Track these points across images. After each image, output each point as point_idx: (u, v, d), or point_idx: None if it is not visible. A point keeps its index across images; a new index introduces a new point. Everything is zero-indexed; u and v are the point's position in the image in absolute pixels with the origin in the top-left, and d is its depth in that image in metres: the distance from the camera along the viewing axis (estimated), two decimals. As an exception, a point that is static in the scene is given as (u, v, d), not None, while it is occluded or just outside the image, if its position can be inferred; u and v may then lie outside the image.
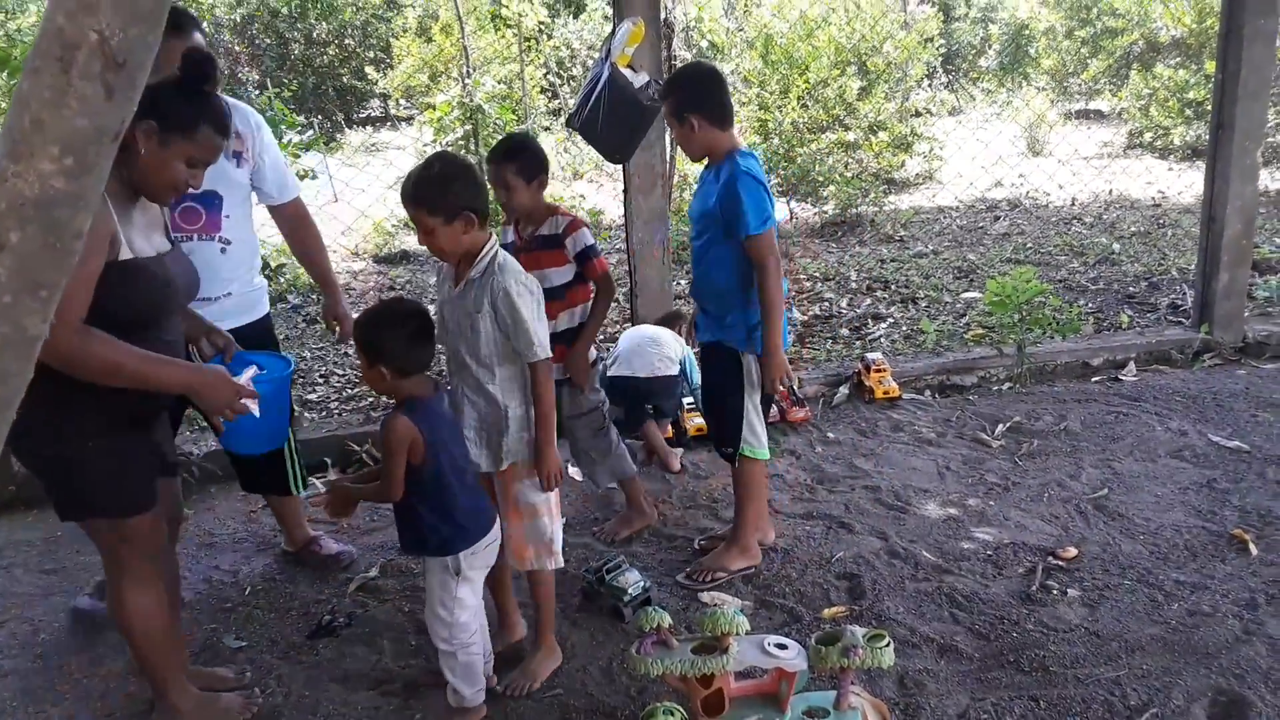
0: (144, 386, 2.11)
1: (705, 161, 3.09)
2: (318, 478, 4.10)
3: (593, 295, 3.30)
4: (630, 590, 2.97)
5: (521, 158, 3.13)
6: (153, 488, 2.27)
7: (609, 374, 3.90)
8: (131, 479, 2.22)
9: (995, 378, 4.91)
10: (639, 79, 3.83)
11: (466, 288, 2.50)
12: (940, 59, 14.06)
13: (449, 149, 8.56)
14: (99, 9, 0.95)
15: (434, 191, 2.41)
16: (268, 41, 15.46)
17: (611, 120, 3.79)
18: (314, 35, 15.75)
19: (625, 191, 4.42)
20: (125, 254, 2.09)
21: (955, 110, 14.99)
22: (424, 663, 2.80)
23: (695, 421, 4.34)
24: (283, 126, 8.22)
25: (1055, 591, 3.00)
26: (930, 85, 13.60)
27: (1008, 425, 4.34)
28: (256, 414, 2.24)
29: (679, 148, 3.00)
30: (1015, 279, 4.99)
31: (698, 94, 2.97)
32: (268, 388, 2.33)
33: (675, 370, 4.02)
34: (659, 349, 4.00)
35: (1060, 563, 3.17)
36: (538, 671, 2.70)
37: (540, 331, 2.51)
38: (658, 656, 2.27)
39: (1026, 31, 16.68)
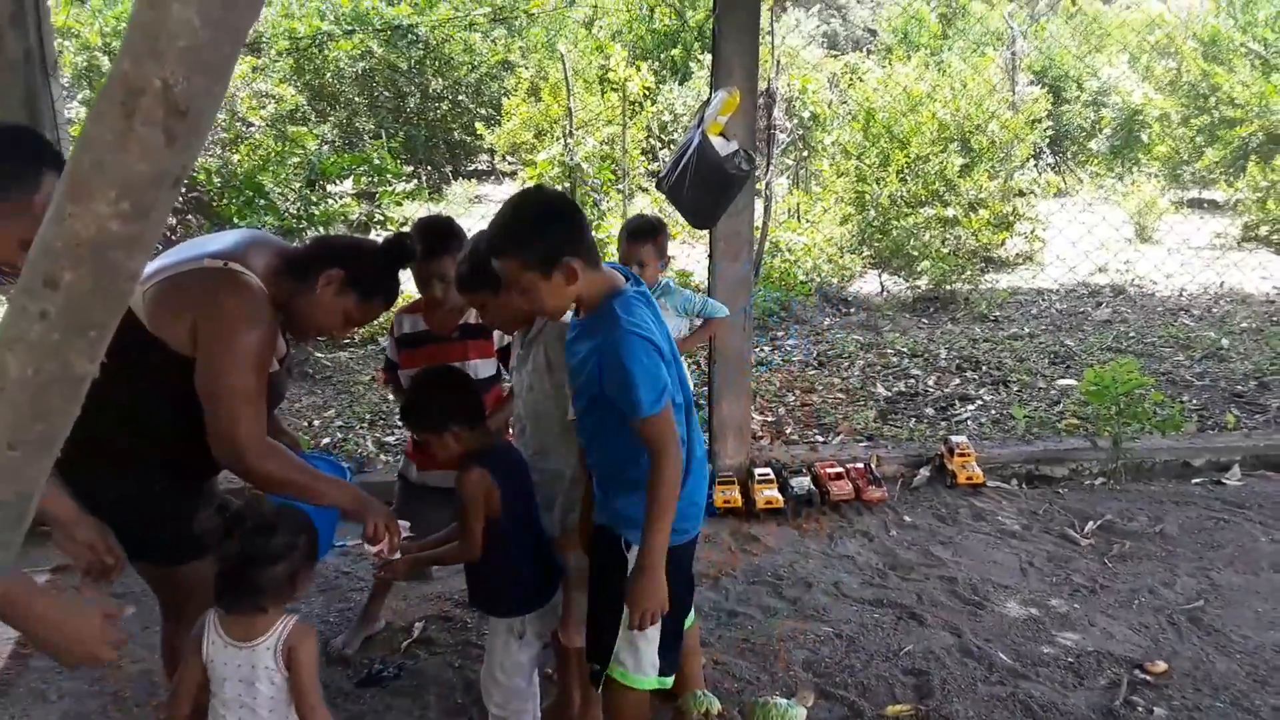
0: (311, 502, 2.21)
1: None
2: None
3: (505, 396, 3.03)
4: (684, 666, 2.87)
5: (454, 243, 2.87)
6: (208, 539, 2.29)
7: None
8: (190, 526, 2.24)
9: (1088, 471, 4.68)
10: (728, 147, 3.83)
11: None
12: (1047, 140, 13.80)
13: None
14: (165, 58, 0.96)
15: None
16: (386, 94, 16.10)
17: (698, 186, 3.80)
18: (429, 90, 16.33)
19: (710, 257, 4.40)
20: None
21: (1061, 192, 14.62)
22: (468, 723, 2.75)
23: (766, 494, 4.23)
24: (388, 175, 8.53)
25: (1140, 709, 2.79)
26: (1036, 166, 13.35)
27: (1098, 523, 4.11)
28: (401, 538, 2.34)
29: (544, 300, 2.15)
30: (1115, 369, 4.78)
31: (571, 230, 2.14)
32: None
33: None
34: None
35: (1148, 677, 2.96)
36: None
37: None
38: (704, 743, 2.18)
39: (1139, 117, 16.27)
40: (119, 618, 1.69)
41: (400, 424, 3.21)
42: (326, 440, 5.41)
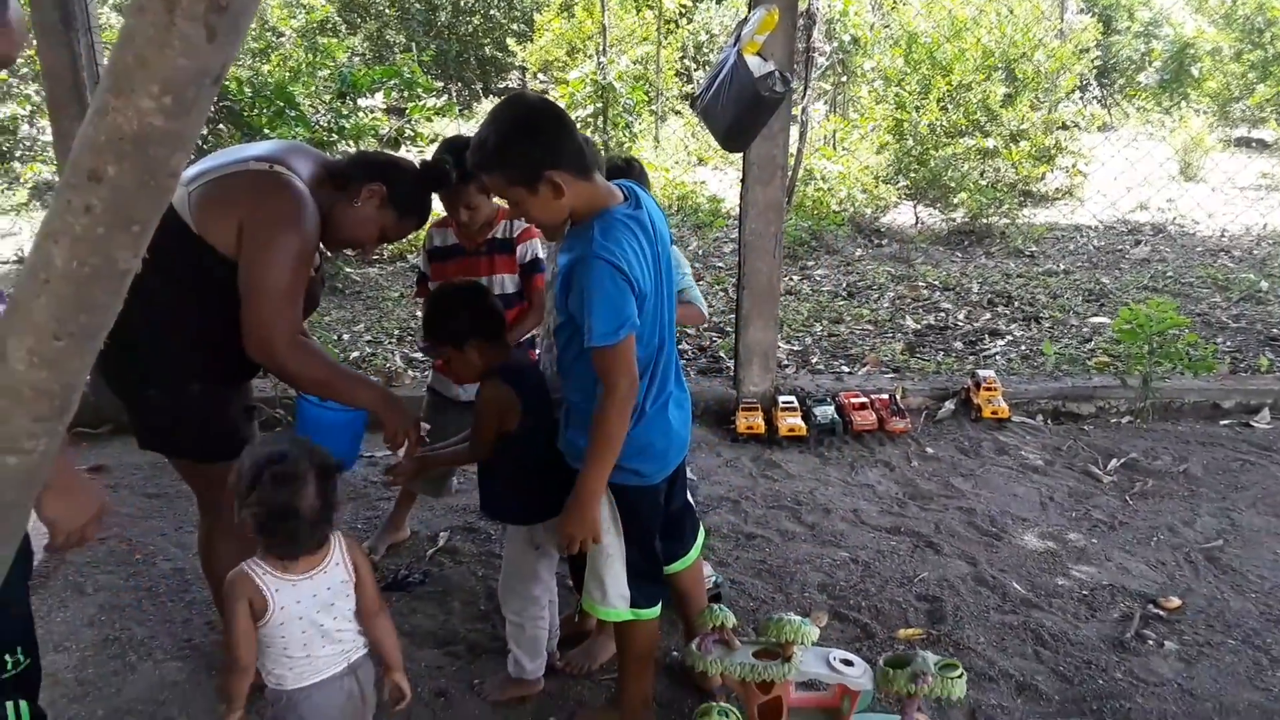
0: (338, 399, 2.27)
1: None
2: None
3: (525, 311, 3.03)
4: (702, 584, 2.93)
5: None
6: (240, 438, 2.32)
7: None
8: (221, 427, 2.29)
9: (1115, 410, 4.65)
10: (764, 68, 3.74)
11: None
12: (1095, 71, 13.40)
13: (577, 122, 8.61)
14: (206, -48, 0.95)
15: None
16: (417, 6, 15.85)
17: (730, 109, 3.72)
18: (461, 3, 16.07)
19: (743, 181, 4.35)
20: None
21: (1105, 126, 14.25)
22: (490, 629, 2.83)
23: (789, 421, 4.25)
24: (418, 89, 8.43)
25: (1151, 642, 2.83)
26: (1082, 98, 12.99)
27: (1122, 461, 4.11)
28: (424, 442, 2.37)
29: (534, 214, 2.10)
30: (1150, 308, 4.71)
31: (553, 142, 2.04)
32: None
33: None
34: None
35: (1160, 612, 2.99)
36: (599, 654, 2.70)
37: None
38: (718, 656, 2.24)
39: (1191, 50, 15.73)
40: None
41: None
42: (355, 354, 5.48)
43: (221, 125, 7.24)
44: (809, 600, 3.05)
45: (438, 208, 3.05)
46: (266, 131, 6.77)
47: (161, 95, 1.00)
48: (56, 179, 6.02)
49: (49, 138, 7.65)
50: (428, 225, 2.91)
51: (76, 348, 1.09)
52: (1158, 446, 4.27)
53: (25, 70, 7.20)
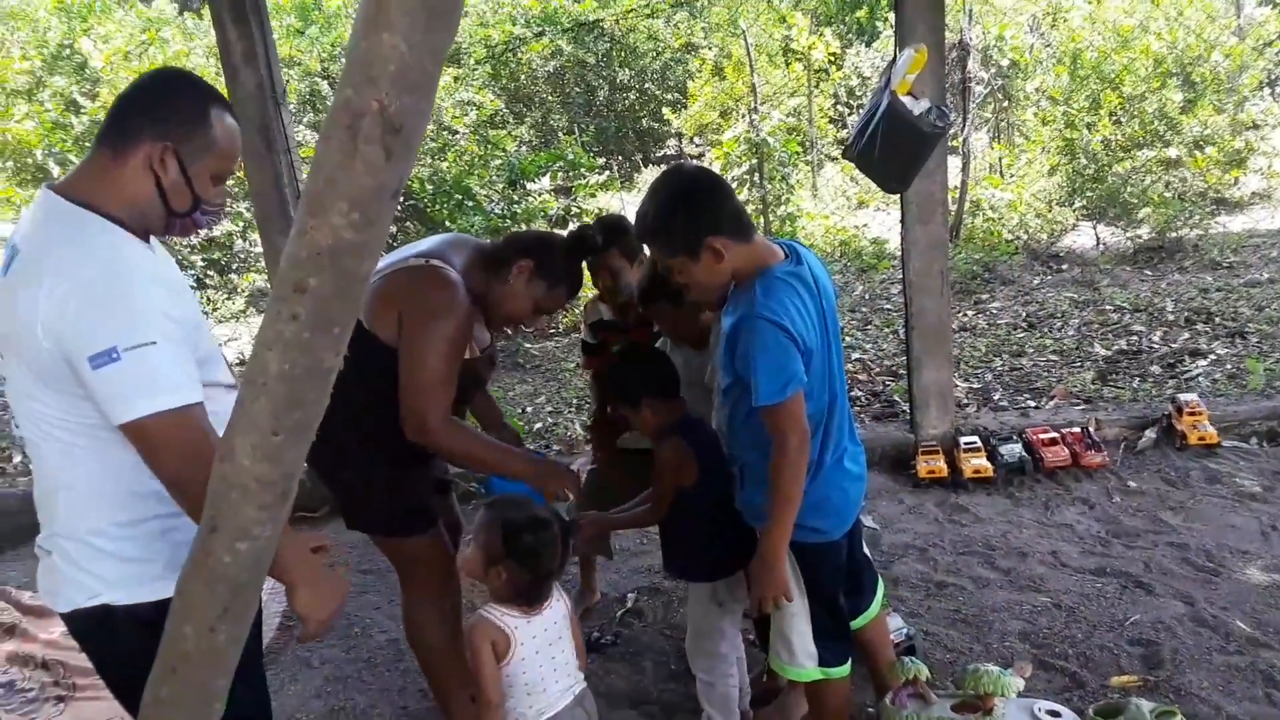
0: (494, 472, 2.45)
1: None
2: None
3: None
4: (892, 638, 2.87)
5: (623, 240, 2.94)
6: (428, 514, 2.49)
7: None
8: (409, 504, 2.46)
9: (1343, 427, 4.24)
10: (920, 105, 3.73)
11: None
12: (1283, 64, 12.43)
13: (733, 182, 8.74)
14: (379, 82, 1.08)
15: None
16: (577, 90, 16.58)
17: (888, 150, 3.71)
18: (617, 81, 16.68)
19: (902, 221, 4.31)
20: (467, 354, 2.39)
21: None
22: (682, 688, 2.86)
23: (973, 463, 4.11)
24: (581, 168, 8.83)
25: None
26: (1272, 94, 12.05)
27: (1356, 482, 3.73)
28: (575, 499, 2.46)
29: (699, 281, 2.16)
30: (1372, 312, 4.30)
31: (710, 209, 2.11)
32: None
33: None
34: None
35: None
36: (792, 711, 2.67)
37: None
38: (914, 710, 2.19)
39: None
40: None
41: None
42: (539, 425, 5.70)
43: (408, 223, 7.82)
44: (1009, 649, 2.92)
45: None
46: (448, 224, 7.25)
47: (350, 211, 1.14)
48: (268, 287, 6.64)
49: (259, 249, 8.49)
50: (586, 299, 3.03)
51: (293, 441, 1.24)
52: (1399, 464, 3.86)
53: (236, 190, 8.02)
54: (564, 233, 2.65)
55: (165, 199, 1.64)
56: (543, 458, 2.57)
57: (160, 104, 1.63)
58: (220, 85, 4.12)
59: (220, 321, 8.85)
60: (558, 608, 2.11)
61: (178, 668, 1.38)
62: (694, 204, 2.11)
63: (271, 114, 4.32)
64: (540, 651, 2.04)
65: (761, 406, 2.04)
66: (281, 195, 4.43)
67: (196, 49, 10.62)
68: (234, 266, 9.71)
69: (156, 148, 1.60)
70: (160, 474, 1.54)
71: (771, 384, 2.02)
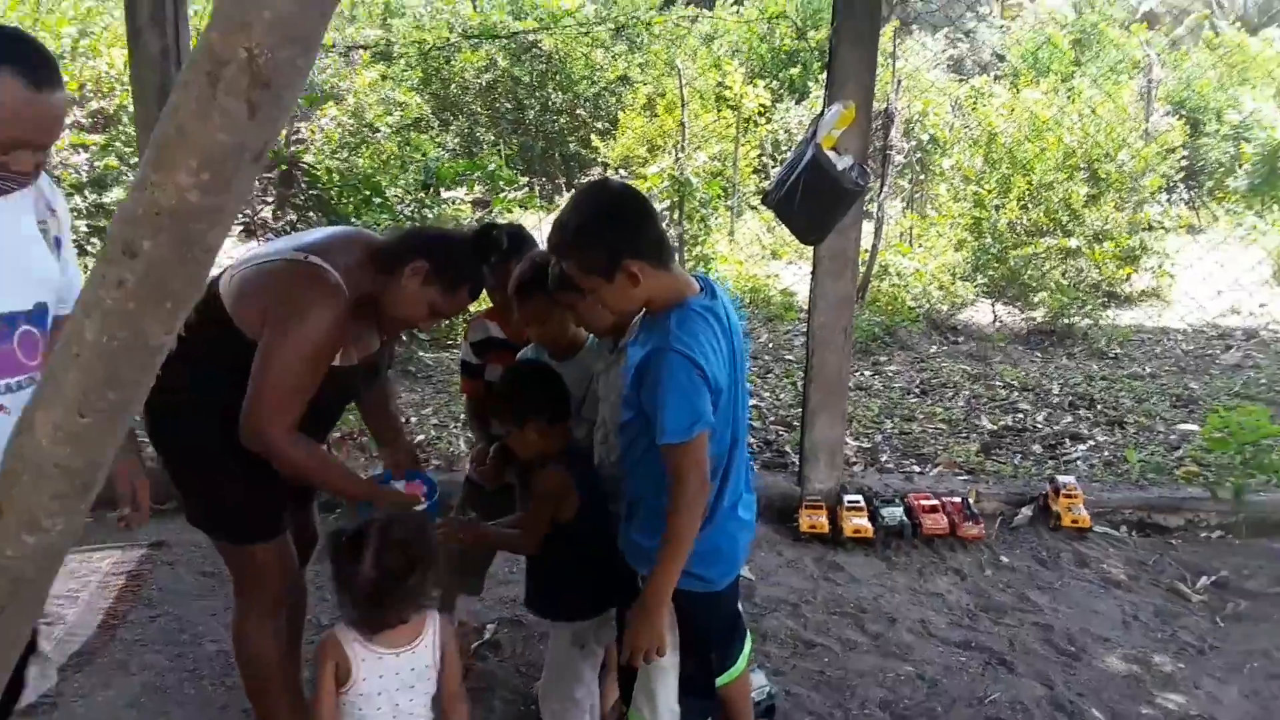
0: (329, 491, 2.39)
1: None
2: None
3: None
4: (753, 696, 2.79)
5: (528, 249, 2.74)
6: (277, 522, 2.31)
7: None
8: (257, 510, 2.28)
9: (1205, 523, 4.38)
10: (843, 161, 3.75)
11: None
12: (1181, 173, 13.14)
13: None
14: (252, 29, 0.95)
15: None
16: (508, 105, 16.44)
17: (808, 201, 3.72)
18: (549, 103, 16.60)
19: (813, 274, 4.31)
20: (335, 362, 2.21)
21: (1193, 229, 13.89)
22: (533, 729, 2.72)
23: (855, 522, 4.10)
24: (502, 182, 8.68)
25: (1250, 784, 2.58)
26: (1168, 199, 12.74)
27: (1213, 579, 3.84)
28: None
29: (611, 303, 2.07)
30: (1243, 415, 4.48)
31: (633, 230, 2.01)
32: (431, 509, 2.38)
33: None
34: None
35: (1260, 750, 2.74)
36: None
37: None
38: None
39: (1286, 153, 15.33)
40: None
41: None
42: (421, 437, 5.50)
43: (311, 213, 7.52)
44: (869, 718, 2.87)
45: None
46: (353, 219, 6.99)
47: (200, 170, 1.00)
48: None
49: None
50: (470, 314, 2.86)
51: (103, 425, 1.08)
52: (1251, 564, 3.99)
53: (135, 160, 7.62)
54: (465, 231, 2.49)
55: None
56: (387, 485, 2.40)
57: None
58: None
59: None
60: (422, 654, 1.90)
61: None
62: (617, 223, 2.02)
63: (175, 79, 4.08)
64: (383, 694, 1.86)
65: (664, 445, 1.94)
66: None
67: (113, 7, 10.11)
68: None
69: None
70: None
71: (677, 422, 1.92)
